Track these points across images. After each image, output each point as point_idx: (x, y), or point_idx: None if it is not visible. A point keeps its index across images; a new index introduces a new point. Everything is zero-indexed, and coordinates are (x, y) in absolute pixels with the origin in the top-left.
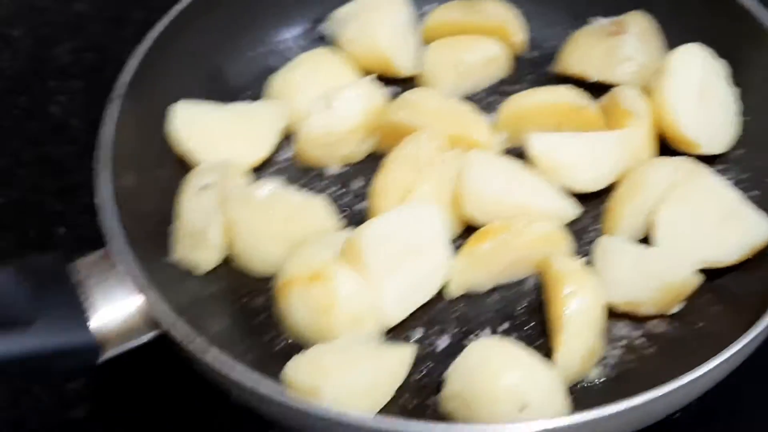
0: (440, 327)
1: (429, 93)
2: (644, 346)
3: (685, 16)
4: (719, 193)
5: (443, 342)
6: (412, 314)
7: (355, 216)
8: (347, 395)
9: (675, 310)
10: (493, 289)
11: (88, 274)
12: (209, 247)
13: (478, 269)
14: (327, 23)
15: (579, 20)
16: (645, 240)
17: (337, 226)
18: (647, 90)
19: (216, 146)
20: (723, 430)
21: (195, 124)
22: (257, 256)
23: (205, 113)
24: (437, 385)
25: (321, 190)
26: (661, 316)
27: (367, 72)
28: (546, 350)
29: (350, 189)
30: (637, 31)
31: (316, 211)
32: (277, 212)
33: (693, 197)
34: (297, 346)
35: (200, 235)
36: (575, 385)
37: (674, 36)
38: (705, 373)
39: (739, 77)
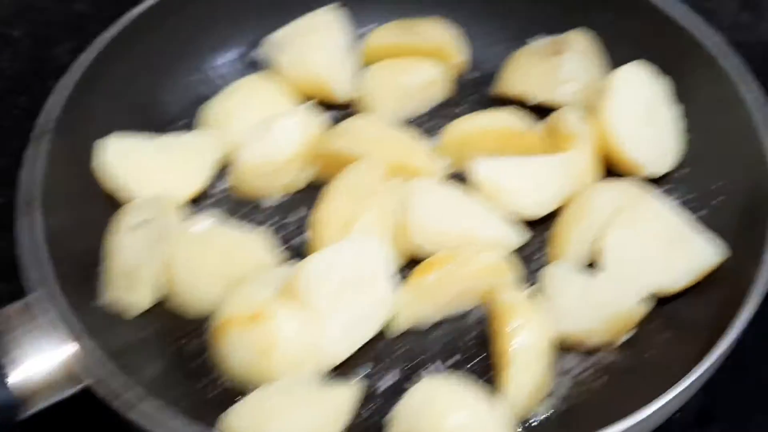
0: (387, 363)
1: (369, 120)
2: (594, 378)
3: (627, 35)
4: (665, 217)
5: (390, 379)
6: (357, 350)
7: (296, 249)
8: None
9: (624, 338)
10: (440, 323)
11: (8, 326)
12: (143, 287)
13: (424, 302)
14: (262, 48)
15: (521, 39)
16: (593, 265)
17: (277, 261)
18: (590, 110)
19: (148, 181)
20: (723, 430)
21: (125, 159)
22: (194, 296)
23: (136, 147)
24: (383, 426)
25: (260, 222)
26: (609, 346)
27: (304, 98)
28: (495, 384)
29: (291, 220)
30: (578, 50)
31: (255, 246)
32: (214, 249)
33: (639, 222)
34: (234, 392)
35: (133, 275)
36: (525, 421)
37: (617, 54)
38: (658, 409)
39: (683, 95)
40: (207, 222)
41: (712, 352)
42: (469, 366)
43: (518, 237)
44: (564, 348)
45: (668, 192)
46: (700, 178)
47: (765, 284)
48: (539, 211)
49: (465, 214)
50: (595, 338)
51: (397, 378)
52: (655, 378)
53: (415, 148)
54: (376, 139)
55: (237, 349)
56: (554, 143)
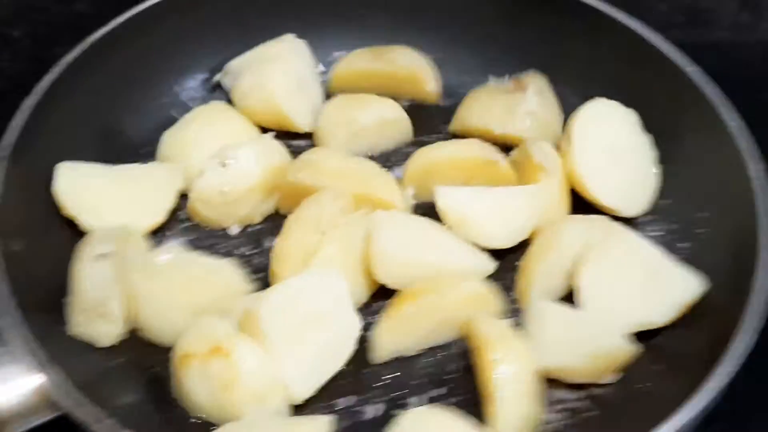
0: (369, 394)
1: (330, 152)
2: (586, 409)
3: (602, 65)
4: (641, 252)
5: (375, 409)
6: (339, 381)
7: (263, 280)
8: None
9: (610, 379)
10: (423, 353)
11: None
12: (110, 320)
13: (405, 332)
14: (221, 74)
15: (492, 66)
16: (568, 300)
17: (247, 290)
18: (558, 148)
19: (107, 211)
20: (723, 429)
21: (82, 187)
22: (164, 327)
23: (93, 175)
24: None
25: (231, 249)
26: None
27: (264, 126)
28: (482, 416)
29: (263, 248)
30: (536, 89)
31: (224, 274)
32: (181, 279)
33: (613, 257)
34: (209, 422)
35: (99, 307)
36: None
37: (592, 86)
38: None
39: (665, 125)
40: (171, 252)
41: (705, 388)
42: (455, 396)
43: (487, 266)
44: (552, 380)
45: (651, 223)
46: (684, 208)
47: (755, 315)
48: (505, 241)
49: (431, 245)
50: (578, 374)
51: (383, 408)
52: (649, 410)
53: (378, 179)
54: (338, 170)
55: (198, 383)
56: (522, 175)
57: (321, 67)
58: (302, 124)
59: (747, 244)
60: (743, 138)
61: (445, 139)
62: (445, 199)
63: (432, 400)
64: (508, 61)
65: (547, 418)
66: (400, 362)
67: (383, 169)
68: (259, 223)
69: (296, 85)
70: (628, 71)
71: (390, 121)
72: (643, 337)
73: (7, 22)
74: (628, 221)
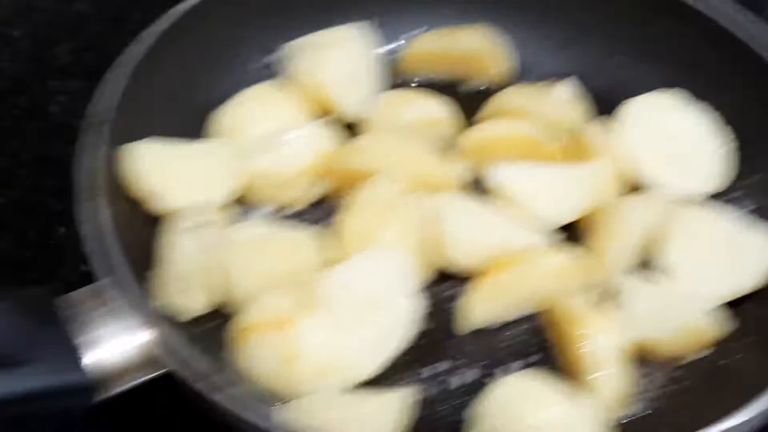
0: (455, 364)
1: (384, 135)
2: (682, 378)
3: (682, 47)
4: (719, 222)
5: (465, 377)
6: (423, 351)
7: None
8: None
9: (699, 354)
10: (505, 325)
11: (82, 308)
12: (197, 292)
13: (493, 303)
14: (279, 55)
15: (570, 44)
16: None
17: (325, 261)
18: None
19: (178, 190)
20: None
21: (151, 168)
22: (248, 300)
23: (160, 155)
24: (454, 426)
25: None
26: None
27: (314, 110)
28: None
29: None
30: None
31: (304, 245)
32: (266, 250)
33: (693, 230)
34: None
35: (187, 280)
36: (610, 423)
37: (665, 72)
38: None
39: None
40: (255, 225)
41: None
42: (540, 367)
43: (548, 242)
44: (642, 354)
45: (737, 200)
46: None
47: None
48: (558, 219)
49: (497, 225)
50: (667, 349)
51: (470, 376)
52: (740, 384)
53: (434, 161)
54: (394, 153)
55: (260, 356)
56: (575, 155)
57: (389, 48)
58: (350, 114)
59: None
60: None
61: None
62: (498, 175)
63: (516, 371)
64: (588, 41)
65: (635, 391)
66: (484, 334)
67: (437, 151)
68: (306, 208)
69: (350, 74)
70: (714, 62)
71: (435, 121)
72: (732, 308)
73: (7, 22)
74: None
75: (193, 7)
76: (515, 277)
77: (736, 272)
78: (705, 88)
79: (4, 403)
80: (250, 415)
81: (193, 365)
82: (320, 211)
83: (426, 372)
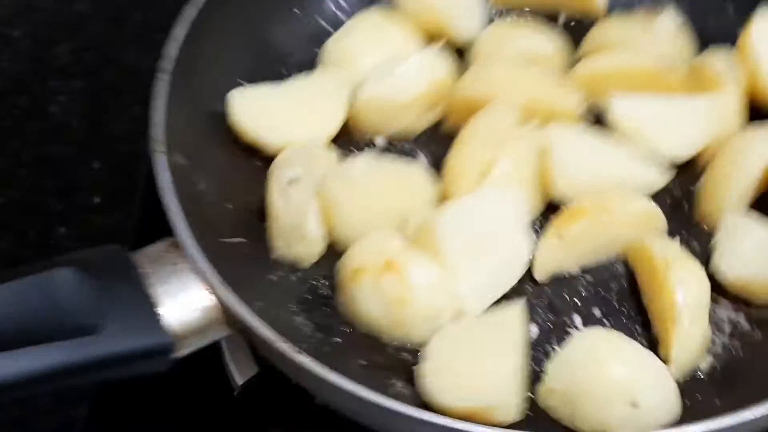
0: (531, 312)
1: (500, 62)
2: (749, 332)
3: None
4: None
5: (535, 328)
6: (496, 301)
7: None
8: None
9: None
10: (582, 272)
11: (155, 266)
12: (310, 240)
13: (569, 250)
14: None
15: None
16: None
17: (437, 196)
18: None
19: (287, 129)
20: None
21: (258, 111)
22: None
23: (263, 97)
24: (533, 378)
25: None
26: None
27: (425, 34)
28: (646, 341)
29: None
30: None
31: (417, 179)
32: (378, 187)
33: None
34: (370, 340)
35: (298, 229)
36: (686, 377)
37: None
38: None
39: None
40: (364, 161)
41: None
42: (615, 320)
43: (662, 177)
44: (715, 300)
45: None
46: None
47: None
48: (680, 153)
49: (607, 157)
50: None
51: (546, 325)
52: None
53: (553, 87)
54: (511, 79)
55: (368, 298)
56: (697, 86)
57: None
58: (463, 37)
59: None
60: None
61: None
62: (616, 107)
63: (595, 320)
64: None
65: (712, 338)
66: (560, 280)
67: (557, 76)
68: (417, 142)
69: None
70: None
71: (545, 52)
72: None
73: (7, 22)
74: None
75: None
76: (591, 225)
77: None
78: None
79: (86, 369)
80: (335, 379)
81: (264, 325)
82: (432, 144)
83: None
